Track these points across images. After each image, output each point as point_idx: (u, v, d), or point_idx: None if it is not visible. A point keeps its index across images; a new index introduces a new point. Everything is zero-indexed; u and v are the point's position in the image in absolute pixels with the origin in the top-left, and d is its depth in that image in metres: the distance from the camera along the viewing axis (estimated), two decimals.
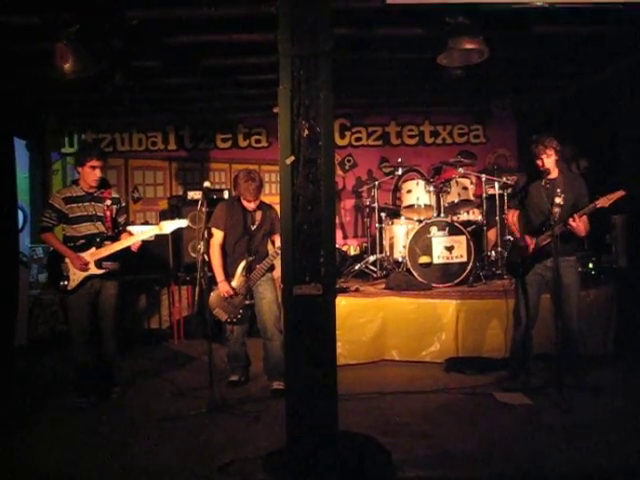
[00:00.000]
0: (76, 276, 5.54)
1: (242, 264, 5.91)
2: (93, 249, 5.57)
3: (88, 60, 5.76)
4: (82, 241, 5.60)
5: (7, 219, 7.73)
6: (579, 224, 5.33)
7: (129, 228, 5.89)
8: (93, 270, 5.56)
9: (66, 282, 5.56)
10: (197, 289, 5.49)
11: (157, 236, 8.17)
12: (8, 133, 8.01)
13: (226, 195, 8.71)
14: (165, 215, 9.77)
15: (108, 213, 5.66)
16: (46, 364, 7.25)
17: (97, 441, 4.80)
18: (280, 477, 3.94)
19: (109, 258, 5.61)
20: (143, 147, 10.34)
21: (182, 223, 5.88)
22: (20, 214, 8.87)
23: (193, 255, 8.26)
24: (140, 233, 5.69)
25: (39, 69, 6.19)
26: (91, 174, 5.57)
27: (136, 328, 8.58)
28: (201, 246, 5.50)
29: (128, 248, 5.63)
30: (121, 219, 5.84)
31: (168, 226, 5.75)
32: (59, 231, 5.82)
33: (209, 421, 5.10)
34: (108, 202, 5.69)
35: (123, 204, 5.94)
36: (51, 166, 10.23)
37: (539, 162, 5.51)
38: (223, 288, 5.89)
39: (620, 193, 5.28)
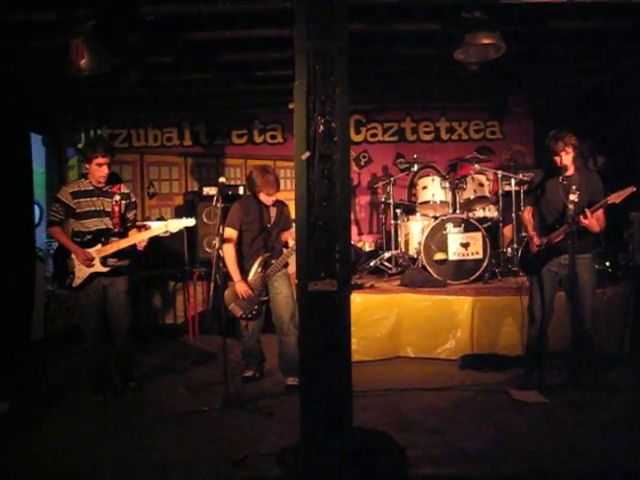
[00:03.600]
0: (81, 273, 5.47)
1: (258, 260, 5.91)
2: (99, 246, 5.49)
3: (104, 56, 5.75)
4: (89, 237, 5.51)
5: (24, 214, 7.79)
6: (592, 221, 5.27)
7: (149, 223, 5.83)
8: (98, 268, 5.47)
9: (71, 278, 5.49)
10: (212, 285, 5.49)
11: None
12: (25, 129, 8.06)
13: (241, 191, 8.73)
14: (180, 211, 9.82)
15: (116, 208, 5.56)
16: (62, 358, 7.28)
17: (113, 435, 4.83)
18: (294, 473, 3.94)
19: (116, 255, 5.52)
20: (158, 143, 10.37)
21: (190, 222, 5.72)
22: (36, 209, 8.91)
23: (208, 250, 8.28)
24: (146, 231, 5.56)
25: (55, 65, 6.21)
26: (97, 171, 5.47)
27: (151, 323, 8.62)
28: (216, 242, 5.50)
29: (135, 246, 5.53)
30: (130, 215, 5.74)
31: (175, 224, 5.63)
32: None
33: (224, 416, 5.12)
34: (117, 197, 5.59)
35: (133, 199, 5.81)
36: (67, 161, 10.27)
37: (557, 159, 5.45)
38: (241, 289, 5.86)
39: (631, 189, 5.22)
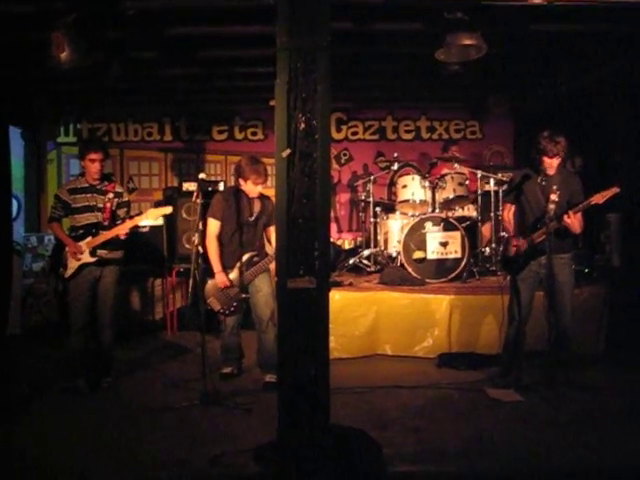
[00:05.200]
0: (73, 264, 5.72)
1: (244, 258, 5.91)
2: (89, 238, 5.72)
3: (84, 50, 5.74)
4: (81, 231, 5.78)
5: (1, 208, 7.70)
6: (574, 220, 5.32)
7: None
8: (86, 258, 5.71)
9: (64, 270, 5.76)
10: (191, 281, 5.48)
11: (151, 227, 8.24)
12: (3, 122, 7.97)
13: (221, 187, 8.70)
14: (160, 206, 9.75)
15: (108, 205, 5.81)
16: (39, 353, 7.24)
17: (88, 431, 4.81)
18: (272, 469, 3.95)
19: (106, 247, 5.75)
20: (139, 137, 10.32)
21: (167, 210, 6.02)
22: (14, 203, 8.84)
23: (187, 246, 8.23)
24: (129, 221, 5.75)
25: (35, 58, 6.17)
26: (91, 167, 5.77)
27: (129, 319, 8.57)
28: (195, 238, 5.50)
29: (125, 237, 5.75)
30: (121, 212, 5.94)
31: (154, 213, 5.87)
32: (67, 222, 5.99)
33: (201, 413, 5.11)
34: (110, 195, 5.86)
35: (125, 199, 6.03)
36: (46, 155, 10.20)
37: (548, 160, 5.46)
38: (220, 279, 5.89)
39: (614, 190, 5.28)
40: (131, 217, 5.86)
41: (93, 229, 5.75)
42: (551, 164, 5.47)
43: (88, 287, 5.76)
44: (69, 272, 5.72)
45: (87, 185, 5.84)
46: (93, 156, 5.73)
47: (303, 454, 3.71)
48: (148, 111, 10.19)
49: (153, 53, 7.02)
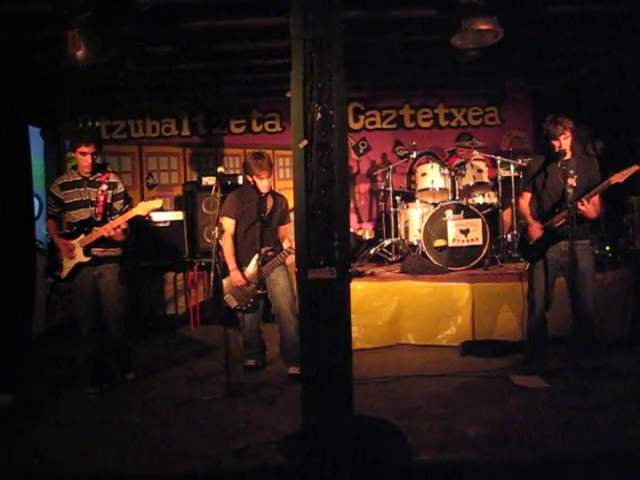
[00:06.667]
0: (68, 264, 5.54)
1: (258, 254, 5.90)
2: (82, 236, 5.51)
3: (100, 47, 5.74)
4: (75, 227, 5.58)
5: (23, 207, 7.78)
6: (589, 207, 5.28)
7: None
8: (80, 257, 5.51)
9: (59, 270, 5.57)
10: (212, 275, 5.49)
11: (172, 222, 8.29)
12: (23, 121, 8.04)
13: (240, 180, 8.71)
14: (180, 201, 9.81)
15: (102, 198, 5.55)
16: (64, 351, 7.28)
17: (113, 425, 4.85)
18: (296, 460, 3.95)
19: (101, 245, 5.53)
20: (157, 133, 10.33)
21: (157, 204, 5.61)
22: (36, 202, 8.91)
23: (208, 241, 8.28)
24: (119, 217, 5.49)
25: (52, 57, 6.19)
26: (82, 160, 5.51)
27: (152, 314, 8.63)
28: (216, 232, 5.51)
29: (122, 236, 5.56)
30: (117, 205, 5.65)
31: (144, 207, 5.51)
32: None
33: (225, 406, 5.13)
34: (104, 187, 5.58)
35: (121, 190, 5.70)
36: (66, 154, 10.24)
37: (556, 143, 5.44)
38: (235, 277, 5.90)
39: (635, 167, 5.20)
40: (121, 212, 5.58)
41: (85, 226, 5.51)
42: (561, 146, 5.43)
43: (90, 288, 5.58)
44: (65, 272, 5.55)
45: (79, 178, 5.58)
46: (84, 149, 5.44)
47: (327, 445, 3.72)
48: (165, 107, 10.19)
49: (169, 48, 7.02)
